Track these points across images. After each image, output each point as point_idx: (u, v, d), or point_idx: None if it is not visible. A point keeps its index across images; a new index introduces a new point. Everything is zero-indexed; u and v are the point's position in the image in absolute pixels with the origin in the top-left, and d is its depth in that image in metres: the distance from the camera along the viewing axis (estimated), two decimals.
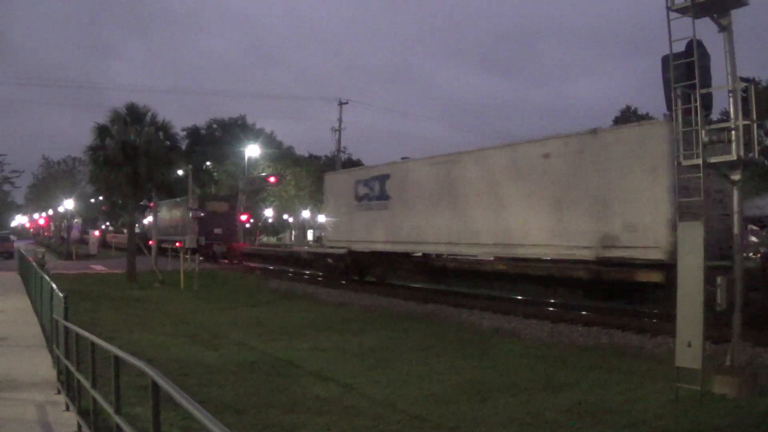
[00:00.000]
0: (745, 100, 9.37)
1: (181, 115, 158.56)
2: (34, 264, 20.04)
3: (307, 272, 31.53)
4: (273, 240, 68.60)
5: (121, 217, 43.58)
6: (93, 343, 6.48)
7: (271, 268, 36.97)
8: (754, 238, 46.50)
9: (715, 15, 9.56)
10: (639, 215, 14.82)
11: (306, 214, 61.86)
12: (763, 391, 8.90)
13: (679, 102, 9.51)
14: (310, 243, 57.19)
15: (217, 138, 61.77)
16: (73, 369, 7.32)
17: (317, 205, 60.62)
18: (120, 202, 42.01)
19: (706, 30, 9.55)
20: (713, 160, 9.45)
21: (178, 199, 44.48)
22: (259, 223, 60.15)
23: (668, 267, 13.02)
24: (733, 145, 9.27)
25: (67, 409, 7.60)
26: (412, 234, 22.58)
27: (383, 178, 24.71)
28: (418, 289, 23.04)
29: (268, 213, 61.55)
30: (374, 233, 24.62)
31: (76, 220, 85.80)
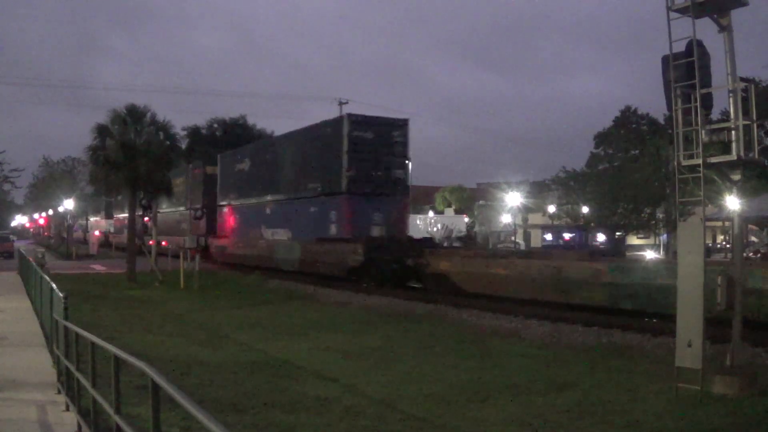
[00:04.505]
0: (745, 100, 9.38)
1: (175, 114, 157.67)
2: (34, 264, 20.02)
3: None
4: None
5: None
6: (93, 343, 6.47)
7: None
8: (754, 238, 46.47)
9: (715, 15, 9.56)
10: None
11: None
12: (763, 391, 8.91)
13: (679, 102, 9.51)
14: None
15: (217, 138, 61.63)
16: (73, 369, 7.31)
17: None
18: None
19: (706, 30, 9.56)
20: (713, 160, 9.45)
21: None
22: None
23: None
24: (733, 145, 9.27)
25: (67, 409, 7.60)
26: None
27: None
28: (418, 289, 23.04)
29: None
30: None
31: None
